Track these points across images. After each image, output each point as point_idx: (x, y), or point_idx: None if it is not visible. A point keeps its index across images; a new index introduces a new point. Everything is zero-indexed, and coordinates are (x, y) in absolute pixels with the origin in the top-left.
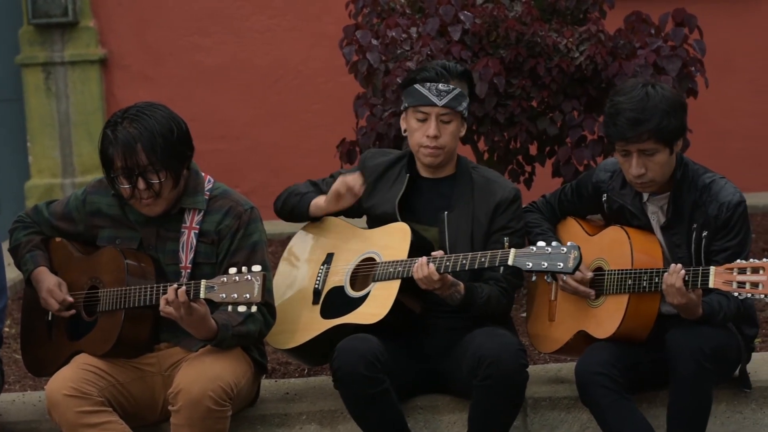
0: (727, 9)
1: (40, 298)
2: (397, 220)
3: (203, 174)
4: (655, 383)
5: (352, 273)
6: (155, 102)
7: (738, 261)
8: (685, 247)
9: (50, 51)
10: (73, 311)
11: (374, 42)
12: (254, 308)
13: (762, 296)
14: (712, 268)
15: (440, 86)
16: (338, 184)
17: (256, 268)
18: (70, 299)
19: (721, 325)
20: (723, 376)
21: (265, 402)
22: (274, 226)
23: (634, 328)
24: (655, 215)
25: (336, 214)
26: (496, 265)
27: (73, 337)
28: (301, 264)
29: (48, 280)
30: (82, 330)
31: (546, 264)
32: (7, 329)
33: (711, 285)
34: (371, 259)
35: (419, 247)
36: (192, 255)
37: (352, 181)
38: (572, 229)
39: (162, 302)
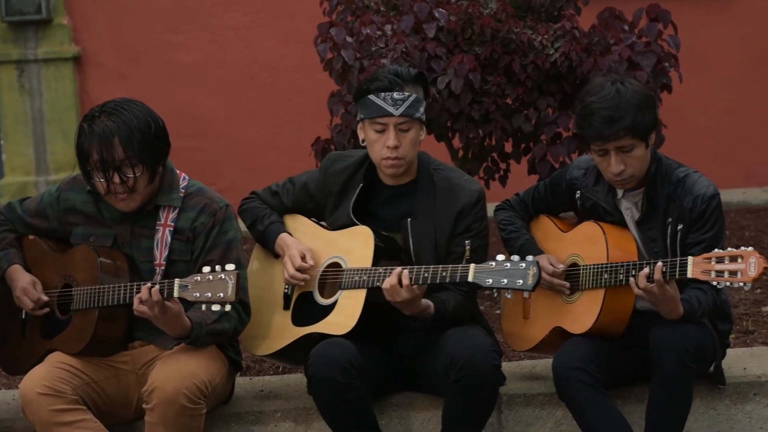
0: (701, 6)
1: (14, 297)
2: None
3: (178, 171)
4: (630, 379)
5: (321, 278)
6: (133, 98)
7: (716, 250)
8: (660, 241)
9: (24, 48)
10: (47, 310)
11: (349, 39)
12: (228, 307)
13: (741, 284)
14: (690, 258)
15: (395, 95)
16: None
17: (230, 267)
18: (45, 298)
19: (700, 320)
20: (699, 372)
21: (239, 400)
22: None
23: (611, 323)
24: (629, 211)
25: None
26: (457, 281)
27: (47, 335)
28: (271, 264)
29: (22, 279)
30: (56, 328)
31: (506, 281)
32: None
33: (689, 275)
34: (337, 264)
35: (385, 251)
36: (166, 252)
37: (300, 276)
38: (545, 226)
39: (136, 301)
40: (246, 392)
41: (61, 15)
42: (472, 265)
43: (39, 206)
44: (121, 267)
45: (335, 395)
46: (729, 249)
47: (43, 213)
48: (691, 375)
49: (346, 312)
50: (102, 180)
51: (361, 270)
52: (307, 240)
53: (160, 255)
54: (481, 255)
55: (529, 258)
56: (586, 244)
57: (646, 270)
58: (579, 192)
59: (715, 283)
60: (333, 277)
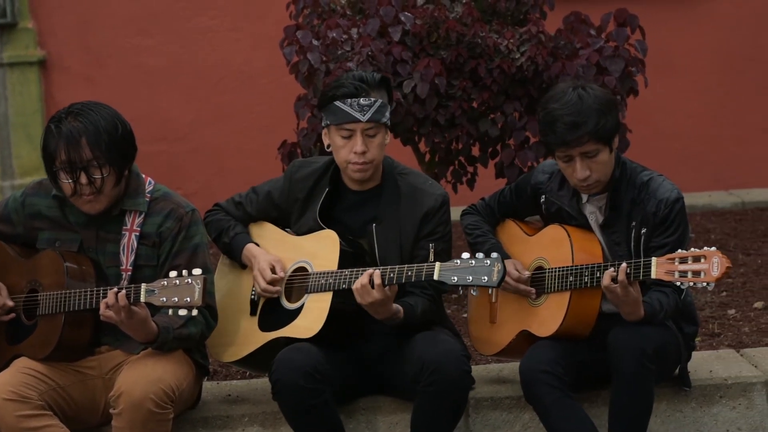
0: (667, 10)
1: None
2: None
3: (144, 176)
4: (597, 382)
5: (287, 283)
6: (99, 101)
7: (679, 251)
8: (624, 244)
9: None
10: (12, 315)
11: (315, 42)
12: (195, 312)
13: (704, 284)
14: (654, 259)
15: (362, 101)
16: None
17: (197, 271)
18: (11, 303)
19: (661, 323)
20: (663, 374)
21: (207, 404)
22: None
23: (577, 325)
24: (594, 215)
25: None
26: (422, 279)
27: (12, 340)
28: (237, 271)
29: None
30: (22, 334)
31: (471, 278)
32: None
33: (653, 276)
34: (303, 268)
35: (350, 255)
36: (133, 257)
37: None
38: (511, 230)
39: (102, 306)
40: (213, 397)
41: (26, 19)
42: (438, 264)
43: (4, 211)
44: (88, 272)
45: (299, 401)
46: (692, 249)
47: (7, 218)
48: (651, 376)
49: (312, 315)
50: (69, 181)
51: (327, 273)
52: (273, 246)
53: (127, 260)
54: (445, 259)
55: (494, 255)
56: (552, 247)
57: (612, 270)
58: (544, 196)
59: (678, 283)
60: (299, 282)
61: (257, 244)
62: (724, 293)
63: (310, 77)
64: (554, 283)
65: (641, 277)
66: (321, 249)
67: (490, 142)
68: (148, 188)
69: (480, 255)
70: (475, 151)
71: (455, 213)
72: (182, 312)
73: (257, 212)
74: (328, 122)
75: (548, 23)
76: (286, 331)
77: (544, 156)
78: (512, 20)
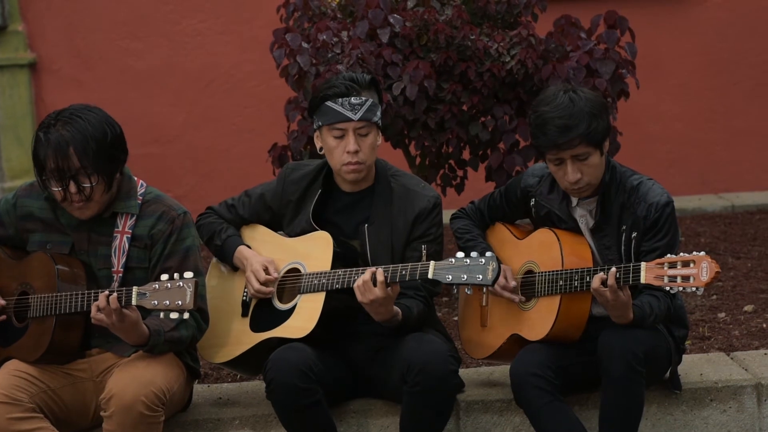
0: (655, 14)
1: None
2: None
3: (136, 178)
4: (587, 385)
5: (279, 284)
6: (90, 105)
7: (668, 255)
8: (615, 248)
9: None
10: (3, 317)
11: (305, 45)
12: (186, 315)
13: (693, 289)
14: (643, 264)
15: (353, 100)
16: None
17: (188, 274)
18: (2, 302)
19: (652, 326)
20: (653, 377)
21: (197, 407)
22: None
23: (567, 329)
24: (584, 218)
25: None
26: (417, 278)
27: (2, 343)
28: (228, 273)
29: None
30: (13, 336)
31: (465, 276)
32: None
33: (642, 280)
34: (296, 269)
35: (343, 257)
36: (124, 259)
37: (266, 290)
38: (501, 234)
39: (93, 309)
40: (204, 399)
41: (16, 21)
42: (432, 263)
43: None
44: (79, 274)
45: (294, 400)
46: (681, 254)
47: None
48: (640, 379)
49: (305, 315)
50: (58, 189)
51: (320, 273)
52: (265, 248)
53: (118, 262)
54: (438, 260)
55: (489, 254)
56: (541, 251)
57: (602, 274)
58: (533, 200)
59: (668, 288)
60: (292, 283)
61: (249, 246)
62: (715, 297)
63: (300, 80)
64: (544, 287)
65: (630, 282)
66: (314, 250)
67: (480, 146)
68: (140, 191)
69: (474, 254)
70: (466, 154)
71: (445, 217)
72: (174, 315)
73: (250, 215)
74: (320, 123)
75: (538, 27)
76: (279, 332)
77: (535, 160)
78: (503, 23)
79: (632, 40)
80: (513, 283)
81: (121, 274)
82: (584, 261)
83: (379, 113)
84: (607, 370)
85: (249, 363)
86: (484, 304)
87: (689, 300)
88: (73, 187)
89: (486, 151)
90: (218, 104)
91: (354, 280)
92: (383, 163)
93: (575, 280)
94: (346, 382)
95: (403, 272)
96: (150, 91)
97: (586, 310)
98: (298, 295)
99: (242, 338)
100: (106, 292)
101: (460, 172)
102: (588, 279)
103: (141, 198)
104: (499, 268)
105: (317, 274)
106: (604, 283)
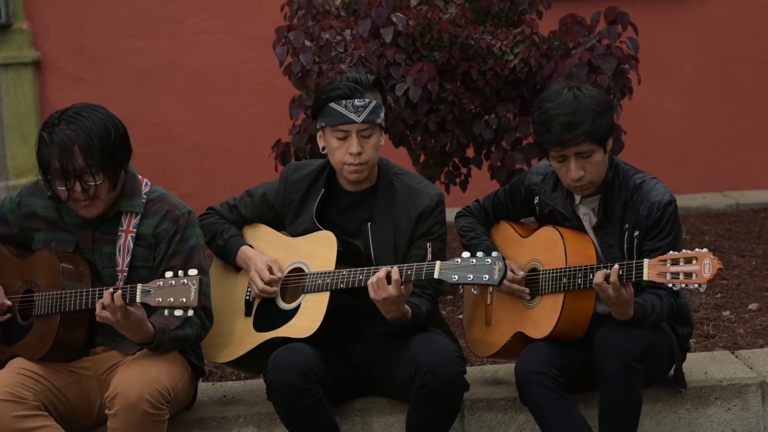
0: (658, 12)
1: None
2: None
3: (140, 177)
4: (592, 383)
5: (282, 284)
6: (93, 103)
7: (671, 252)
8: (617, 247)
9: None
10: (8, 315)
11: (307, 43)
12: (191, 312)
13: (696, 286)
14: (646, 261)
15: (356, 102)
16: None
17: (193, 272)
18: (8, 302)
19: (652, 325)
20: (657, 375)
21: (202, 405)
22: None
23: (571, 327)
24: (587, 216)
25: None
26: (422, 278)
27: (7, 341)
28: (231, 272)
29: None
30: (17, 334)
31: (471, 276)
32: None
33: (645, 277)
34: (300, 269)
35: (346, 256)
36: (129, 258)
37: (271, 290)
38: (506, 232)
39: (98, 307)
40: (208, 398)
41: (20, 20)
42: (438, 262)
43: (0, 212)
44: (83, 272)
45: (294, 400)
46: (684, 251)
47: (3, 219)
48: (637, 375)
49: (309, 315)
50: (63, 188)
51: (325, 273)
52: (268, 248)
53: (123, 261)
54: (441, 258)
55: (495, 253)
56: (545, 249)
57: (606, 270)
58: (537, 198)
59: (671, 285)
60: (295, 282)
61: (251, 246)
62: (719, 295)
63: (303, 78)
64: (548, 284)
65: (633, 279)
66: (318, 249)
67: (484, 144)
68: (145, 189)
69: (480, 254)
70: (470, 152)
71: (449, 214)
72: (178, 312)
73: (252, 215)
74: (323, 124)
75: (542, 25)
76: (283, 331)
77: (538, 158)
78: (506, 21)
79: (636, 35)
80: (521, 273)
81: (125, 273)
82: (588, 259)
83: (382, 114)
84: (602, 368)
85: (253, 363)
86: (488, 302)
87: (694, 298)
88: (78, 187)
89: (490, 149)
90: (222, 103)
91: (358, 280)
92: (386, 161)
93: (579, 278)
94: (348, 381)
95: (409, 272)
96: (154, 90)
97: (590, 308)
98: (302, 295)
99: (246, 338)
100: (111, 290)
101: (464, 170)
102: (591, 276)
103: (146, 197)
104: (506, 268)
105: (321, 273)
106: (606, 279)
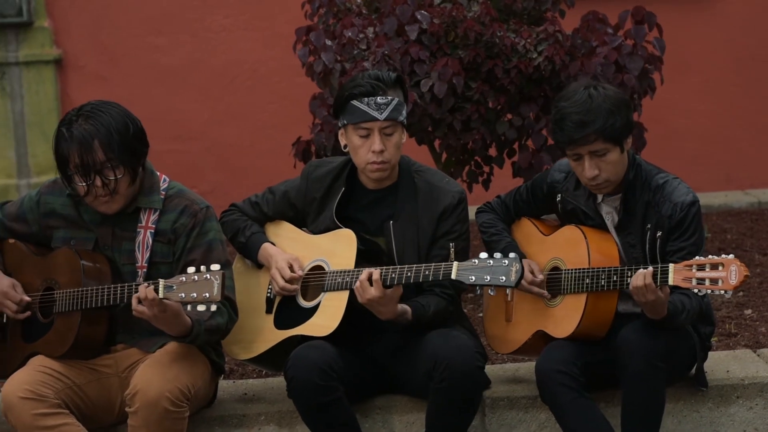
0: (681, 9)
1: None
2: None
3: (158, 173)
4: (613, 382)
5: (303, 281)
6: (109, 100)
7: (697, 257)
8: (639, 247)
9: (5, 51)
10: (28, 313)
11: (328, 42)
12: (214, 307)
13: (722, 292)
14: (672, 266)
15: (379, 99)
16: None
17: (215, 267)
18: (27, 299)
19: (684, 324)
20: (678, 374)
21: (222, 403)
22: None
23: (593, 327)
24: (610, 215)
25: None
26: (440, 279)
27: (28, 339)
28: (252, 269)
29: (2, 283)
30: (38, 332)
31: (488, 278)
32: None
33: (670, 282)
34: (320, 267)
35: (367, 253)
36: (148, 254)
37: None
38: (527, 229)
39: (134, 301)
40: (229, 395)
41: (42, 18)
42: (455, 263)
43: (19, 210)
44: (104, 270)
45: (314, 398)
46: (710, 256)
47: (23, 217)
48: (660, 375)
49: (328, 313)
50: (83, 184)
51: (344, 272)
52: (290, 245)
53: (142, 257)
54: (463, 257)
55: (512, 255)
56: (568, 248)
57: (644, 270)
58: (560, 195)
59: (696, 290)
60: (316, 280)
61: (273, 244)
62: (741, 293)
63: (325, 77)
64: (570, 284)
65: (659, 283)
66: (338, 247)
67: (506, 143)
68: (163, 185)
69: (498, 255)
70: (492, 151)
71: (470, 212)
72: (201, 308)
73: (274, 212)
74: (345, 122)
75: (564, 23)
76: (303, 329)
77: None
78: (529, 19)
79: (660, 36)
80: (541, 277)
81: (145, 270)
82: (611, 259)
83: (404, 112)
84: (625, 367)
85: (273, 360)
86: (509, 299)
87: (716, 297)
88: (98, 181)
89: (512, 147)
90: (242, 100)
91: None
92: (407, 159)
93: (602, 279)
94: (369, 379)
95: (427, 272)
96: (175, 88)
97: (612, 309)
98: (322, 293)
99: (266, 335)
100: (146, 284)
101: (486, 169)
102: (615, 278)
103: (164, 193)
104: (522, 269)
105: (341, 272)
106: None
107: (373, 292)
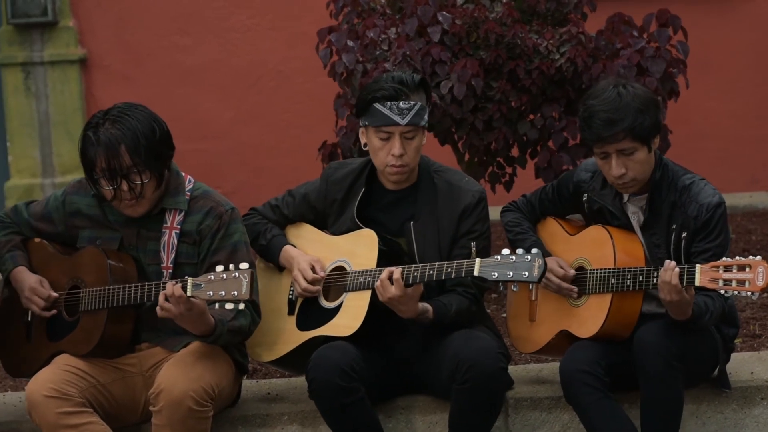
0: (706, 10)
1: (21, 298)
2: None
3: (183, 174)
4: (637, 383)
5: (325, 283)
6: (135, 102)
7: (724, 259)
8: (664, 247)
9: (30, 51)
10: (54, 311)
11: (350, 43)
12: (242, 306)
13: (748, 294)
14: (698, 266)
15: (401, 104)
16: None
17: (244, 265)
18: (55, 294)
19: (707, 325)
20: (699, 375)
21: (246, 402)
22: None
23: (617, 328)
24: (636, 215)
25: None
26: (462, 275)
27: (53, 337)
28: (273, 271)
29: (29, 279)
30: (63, 330)
31: (511, 273)
32: None
33: (697, 283)
34: (342, 267)
35: (389, 254)
36: (173, 255)
37: (314, 289)
38: (552, 228)
39: (161, 298)
40: (253, 395)
41: (66, 17)
42: (478, 260)
43: (45, 210)
44: (130, 269)
45: (336, 399)
46: (737, 258)
47: (48, 217)
48: (677, 375)
49: (351, 313)
50: (109, 188)
51: (366, 271)
52: (311, 246)
53: (167, 258)
54: (485, 257)
55: (534, 250)
56: (594, 248)
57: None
58: (586, 195)
59: (722, 291)
60: (338, 281)
61: (294, 246)
62: (766, 294)
63: (347, 78)
64: (595, 284)
65: (685, 284)
66: (359, 248)
67: (529, 144)
68: (188, 186)
69: (520, 251)
70: (514, 151)
71: (493, 213)
72: (229, 306)
73: (294, 215)
74: (367, 123)
75: (588, 24)
76: (325, 330)
77: (584, 157)
78: (552, 20)
79: (685, 39)
80: (572, 272)
81: (170, 270)
82: (636, 260)
83: (426, 116)
84: (642, 367)
85: (296, 361)
86: (533, 298)
87: (740, 298)
88: (125, 186)
89: (535, 149)
90: (267, 100)
91: None
92: (426, 159)
93: (627, 279)
94: (392, 379)
95: (449, 270)
96: (199, 88)
97: (637, 310)
98: (344, 293)
99: (289, 337)
100: (173, 282)
101: (509, 170)
102: (641, 279)
103: (189, 194)
104: (545, 264)
105: (363, 272)
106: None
107: (393, 290)
